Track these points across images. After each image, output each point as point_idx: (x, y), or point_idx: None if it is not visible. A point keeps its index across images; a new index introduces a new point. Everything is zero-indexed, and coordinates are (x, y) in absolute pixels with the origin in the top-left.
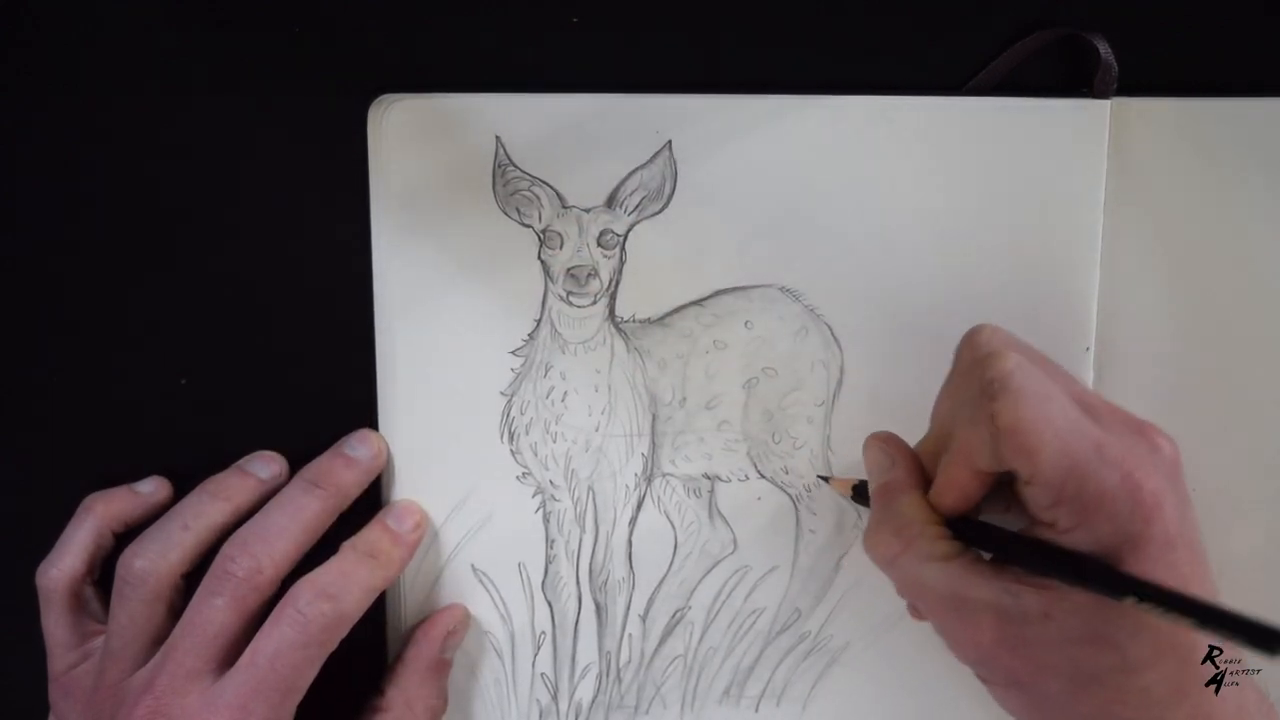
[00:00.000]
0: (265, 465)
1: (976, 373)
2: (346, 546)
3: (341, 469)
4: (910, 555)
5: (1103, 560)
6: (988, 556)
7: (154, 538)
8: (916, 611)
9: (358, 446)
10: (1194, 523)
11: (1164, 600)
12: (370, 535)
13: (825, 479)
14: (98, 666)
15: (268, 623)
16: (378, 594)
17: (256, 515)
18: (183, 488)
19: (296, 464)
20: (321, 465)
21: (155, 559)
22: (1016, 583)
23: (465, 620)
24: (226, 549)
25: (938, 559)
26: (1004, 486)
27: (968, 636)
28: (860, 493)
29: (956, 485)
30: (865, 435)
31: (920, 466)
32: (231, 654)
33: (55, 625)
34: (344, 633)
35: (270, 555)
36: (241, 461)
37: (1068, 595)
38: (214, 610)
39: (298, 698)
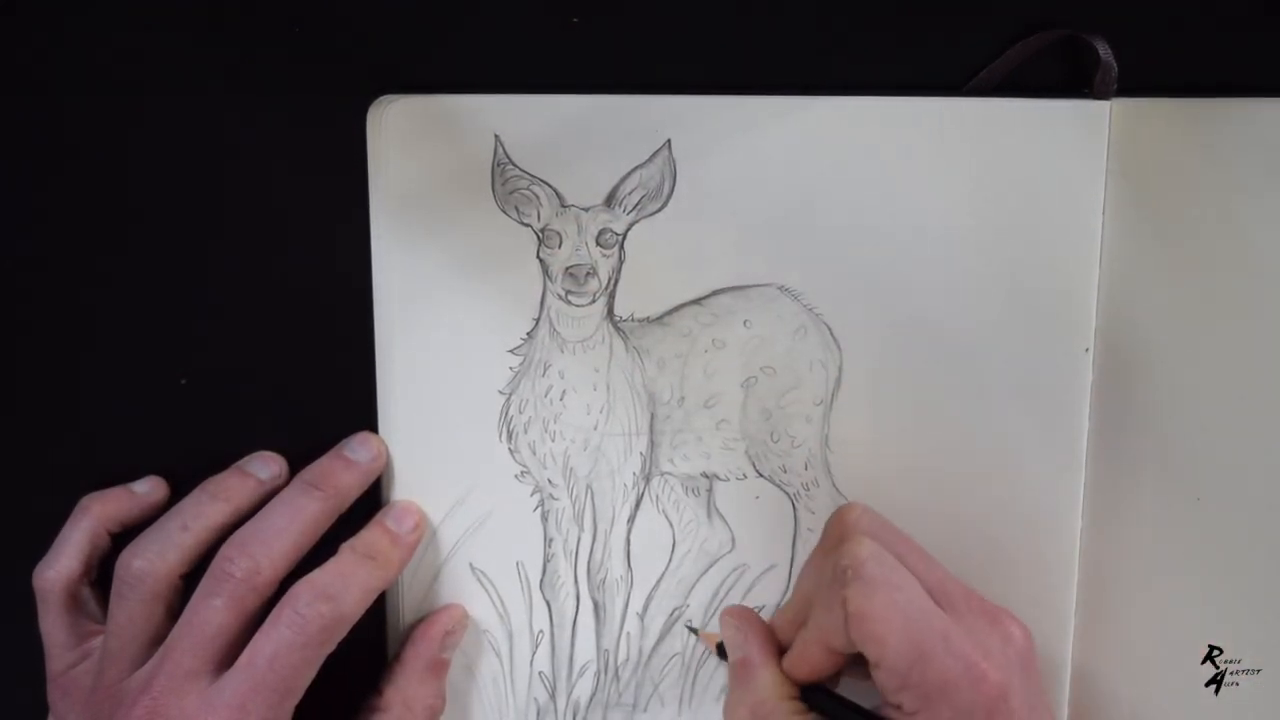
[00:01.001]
0: (265, 466)
1: (834, 555)
2: (345, 547)
3: (341, 471)
4: None
5: None
6: None
7: (153, 538)
8: None
9: (358, 449)
10: (1045, 710)
11: None
12: (369, 536)
13: (694, 631)
14: (96, 667)
15: (266, 623)
16: (376, 595)
17: (256, 516)
18: (182, 488)
19: (296, 463)
20: (321, 467)
21: (154, 559)
22: None
23: (463, 620)
24: (225, 550)
25: None
26: (861, 669)
27: None
28: (723, 651)
29: (810, 660)
30: (864, 435)
31: (773, 639)
32: (230, 654)
33: (53, 626)
34: (342, 634)
35: (269, 556)
36: (241, 462)
37: None
38: (212, 611)
39: (296, 699)
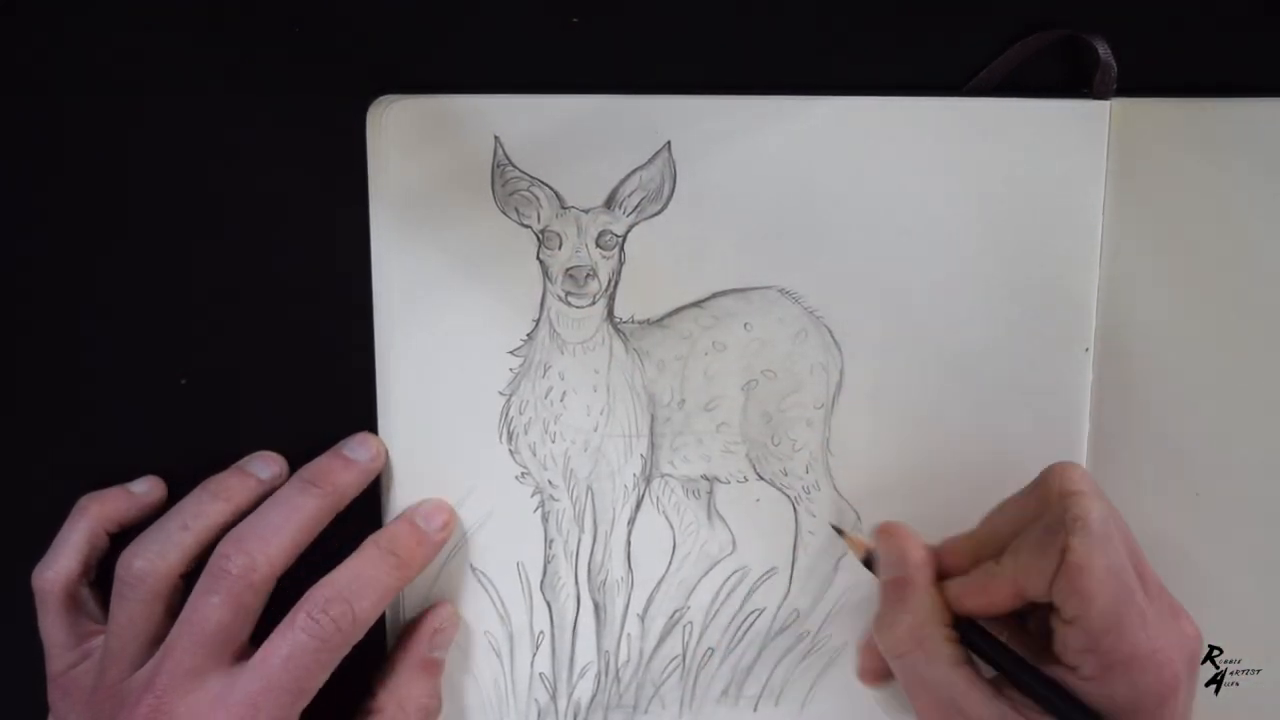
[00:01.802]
0: (265, 465)
1: (1060, 504)
2: (369, 541)
3: (340, 470)
4: (919, 654)
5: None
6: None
7: (153, 538)
8: (869, 675)
9: (357, 448)
10: (1191, 714)
11: None
12: (394, 531)
13: (840, 531)
14: (97, 666)
15: (283, 624)
16: (395, 594)
17: (253, 514)
18: (182, 488)
19: (296, 463)
20: (320, 465)
21: (154, 559)
22: (1014, 710)
23: (453, 618)
24: (222, 547)
25: (945, 663)
26: (1013, 618)
27: None
28: (870, 562)
29: (989, 595)
30: (865, 438)
31: (933, 562)
32: (230, 651)
33: (52, 626)
34: (359, 636)
35: (265, 553)
36: (242, 462)
37: None
38: (210, 608)
39: (307, 699)
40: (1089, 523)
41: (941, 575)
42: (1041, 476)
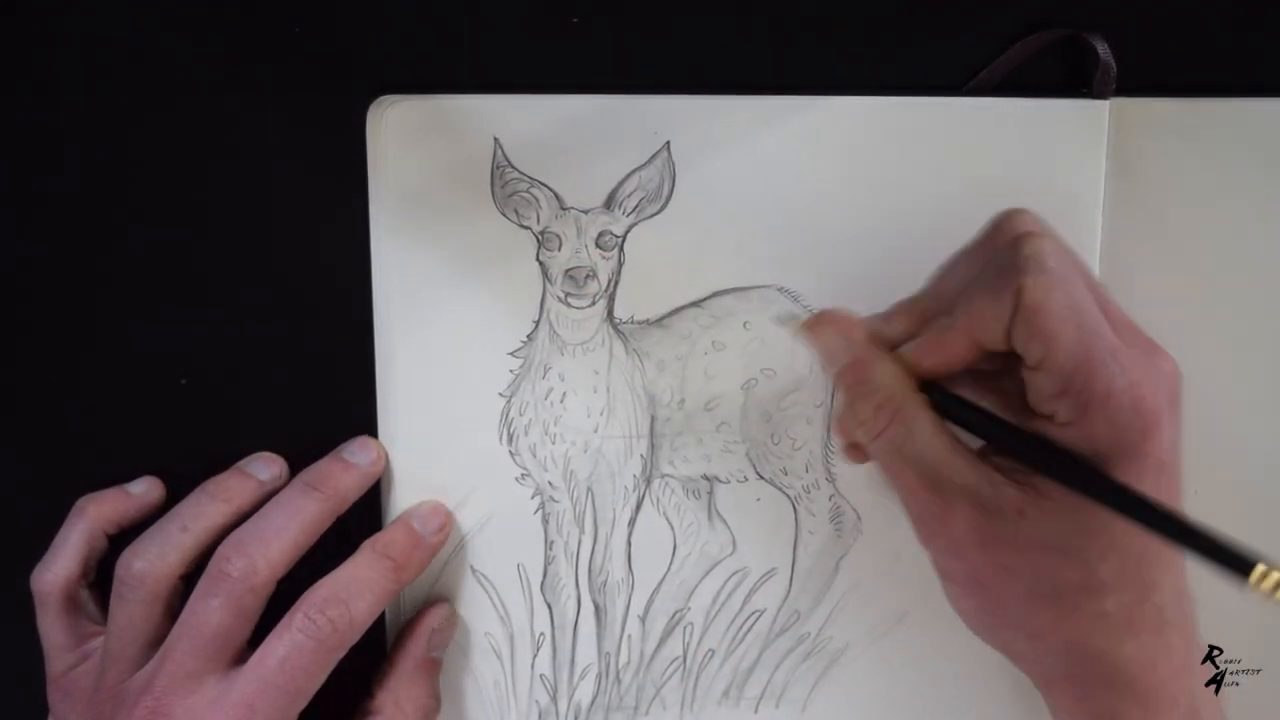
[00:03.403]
0: (265, 467)
1: (1010, 247)
2: (366, 545)
3: (340, 473)
4: (896, 428)
5: (1095, 462)
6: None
7: (153, 539)
8: (854, 452)
9: (357, 452)
10: (1181, 452)
11: (1146, 513)
12: (390, 534)
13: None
14: (98, 668)
15: (279, 626)
16: (392, 597)
17: (254, 516)
18: (182, 488)
19: (296, 463)
20: (320, 469)
21: (154, 560)
22: (999, 473)
23: (451, 618)
24: (222, 550)
25: (923, 433)
26: (988, 383)
27: (940, 523)
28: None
29: (946, 350)
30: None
31: (878, 333)
32: (229, 654)
33: (51, 628)
34: (355, 638)
35: (265, 556)
36: (241, 463)
37: (1048, 496)
38: (210, 611)
39: (304, 701)
40: (1043, 260)
41: (893, 345)
42: (990, 224)
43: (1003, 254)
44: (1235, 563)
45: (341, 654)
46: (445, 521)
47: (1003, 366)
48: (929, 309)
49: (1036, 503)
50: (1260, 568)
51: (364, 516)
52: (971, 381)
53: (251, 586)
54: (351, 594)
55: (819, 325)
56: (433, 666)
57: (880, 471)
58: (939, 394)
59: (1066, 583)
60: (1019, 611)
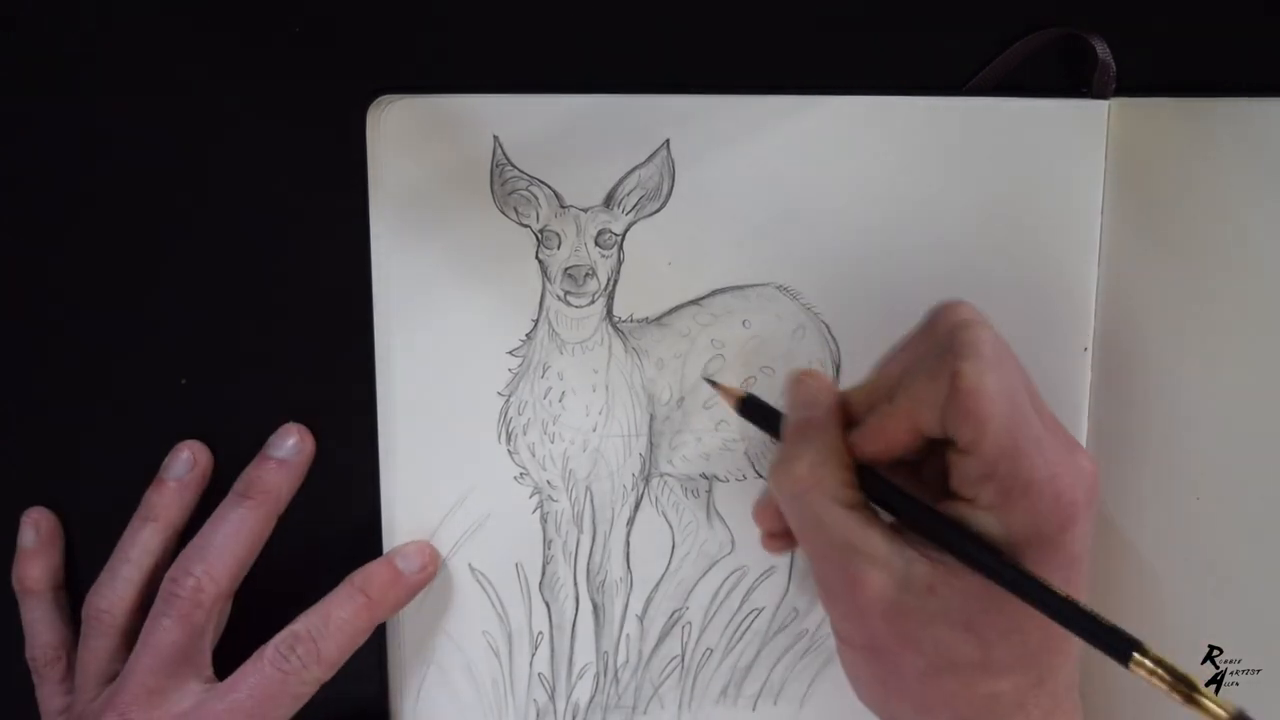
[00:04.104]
0: (179, 464)
1: (950, 335)
2: (346, 580)
3: (270, 474)
4: (817, 492)
5: (1008, 549)
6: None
7: (107, 578)
8: (769, 541)
9: (280, 445)
10: (1089, 548)
11: (1048, 599)
12: (371, 571)
13: (713, 383)
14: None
15: (255, 654)
16: (366, 635)
17: (197, 535)
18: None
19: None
20: (250, 475)
21: (110, 598)
22: (912, 548)
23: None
24: (171, 572)
25: (843, 503)
26: (908, 466)
27: (846, 589)
28: (749, 410)
29: (886, 436)
30: None
31: (843, 410)
32: (188, 668)
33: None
34: (326, 676)
35: (209, 574)
36: (161, 469)
37: (958, 576)
38: (164, 631)
39: None
40: (980, 347)
41: (849, 421)
42: (928, 314)
43: (941, 340)
44: (1120, 648)
45: (313, 689)
46: (429, 560)
47: (927, 455)
48: (875, 396)
49: (947, 580)
50: (1135, 656)
51: (363, 515)
52: (893, 463)
53: (200, 603)
54: (323, 634)
55: (800, 376)
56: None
57: (795, 531)
58: (867, 474)
59: (965, 659)
60: (914, 684)
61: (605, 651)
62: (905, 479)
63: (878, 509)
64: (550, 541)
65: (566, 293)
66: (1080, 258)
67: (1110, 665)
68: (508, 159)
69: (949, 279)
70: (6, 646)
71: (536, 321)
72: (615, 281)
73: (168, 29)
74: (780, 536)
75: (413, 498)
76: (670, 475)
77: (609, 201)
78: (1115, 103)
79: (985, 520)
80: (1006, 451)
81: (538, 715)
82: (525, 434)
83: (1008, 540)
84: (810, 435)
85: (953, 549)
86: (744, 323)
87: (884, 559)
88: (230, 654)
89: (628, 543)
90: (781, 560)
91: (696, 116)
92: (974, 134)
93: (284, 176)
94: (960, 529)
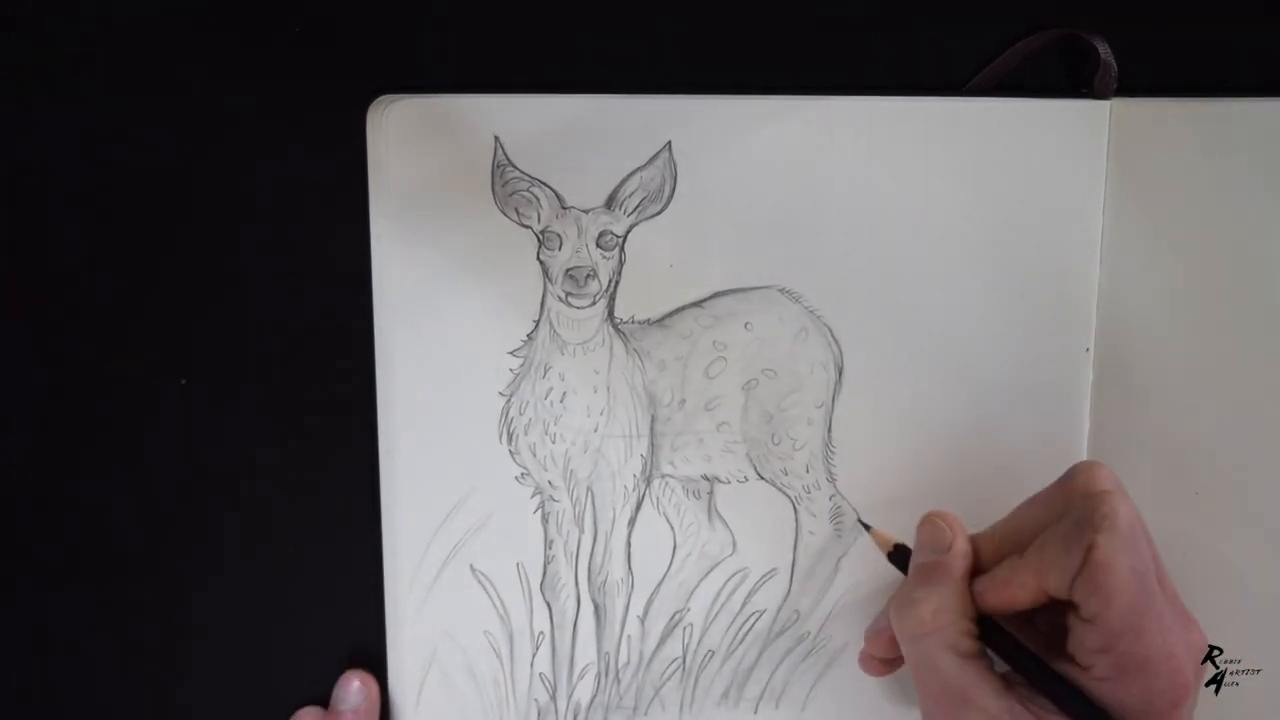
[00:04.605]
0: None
1: (1087, 502)
2: None
3: None
4: (937, 638)
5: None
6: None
7: None
8: (872, 664)
9: (345, 698)
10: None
11: None
12: None
13: (867, 527)
14: None
15: None
16: None
17: None
18: (182, 488)
19: (295, 463)
20: None
21: None
22: (1021, 705)
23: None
24: None
25: (961, 651)
26: (1024, 613)
27: None
28: (899, 556)
29: (1011, 590)
30: (866, 437)
31: (973, 556)
32: None
33: None
34: None
35: None
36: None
37: None
38: None
39: None
40: (1116, 521)
41: (975, 567)
42: (1068, 474)
43: (1079, 508)
44: None
45: None
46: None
47: (1044, 607)
48: (1003, 547)
49: None
50: None
51: (363, 513)
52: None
53: None
54: None
55: (931, 519)
56: None
57: (910, 667)
58: (988, 624)
59: None
60: None
61: (606, 652)
62: (1019, 624)
63: (991, 653)
64: (551, 542)
65: (568, 294)
66: (1081, 258)
67: None
68: (509, 159)
69: (950, 280)
70: (6, 647)
71: (538, 322)
72: (617, 283)
73: (168, 29)
74: (885, 663)
75: (413, 498)
76: (672, 476)
77: (610, 203)
78: (1116, 103)
79: (1099, 689)
80: (1130, 628)
81: (539, 715)
82: (526, 434)
83: (1120, 712)
84: (936, 580)
85: (1064, 709)
86: (746, 325)
87: (994, 714)
88: (231, 654)
89: (629, 543)
90: (783, 562)
91: (697, 117)
92: (975, 134)
93: (284, 176)
94: (1078, 694)
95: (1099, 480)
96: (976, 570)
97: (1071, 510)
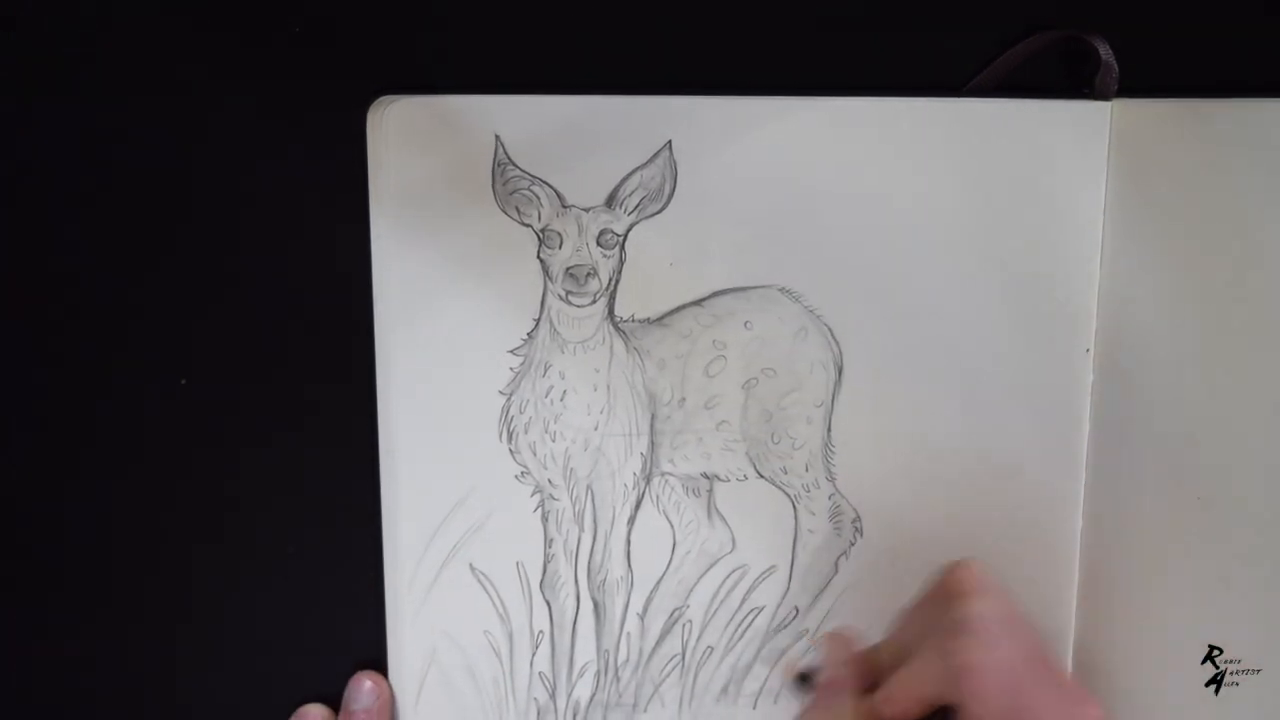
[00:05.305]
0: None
1: (950, 605)
2: None
3: None
4: None
5: None
6: None
7: None
8: None
9: (357, 699)
10: None
11: None
12: None
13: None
14: None
15: None
16: None
17: None
18: (182, 487)
19: (293, 463)
20: None
21: None
22: None
23: None
24: None
25: None
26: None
27: None
28: (801, 681)
29: (900, 703)
30: (865, 436)
31: (867, 670)
32: None
33: None
34: None
35: None
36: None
37: None
38: None
39: None
40: (971, 624)
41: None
42: (938, 578)
43: (945, 614)
44: None
45: None
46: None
47: (944, 710)
48: (895, 658)
49: None
50: None
51: (363, 512)
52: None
53: None
54: None
55: (828, 636)
56: None
57: None
58: None
59: None
60: None
61: (606, 650)
62: None
63: None
64: (551, 540)
65: (568, 292)
66: (1082, 259)
67: (1110, 663)
68: (509, 159)
69: (950, 280)
70: (6, 647)
71: (538, 321)
72: (617, 281)
73: (168, 29)
74: None
75: (413, 497)
76: (671, 474)
77: (611, 202)
78: (1117, 103)
79: None
80: None
81: (538, 714)
82: (526, 433)
83: None
84: (830, 697)
85: None
86: (746, 324)
87: None
88: (231, 654)
89: (629, 541)
90: (782, 559)
91: (698, 117)
92: (976, 135)
93: (284, 176)
94: None
95: (959, 583)
96: (877, 681)
97: (940, 617)
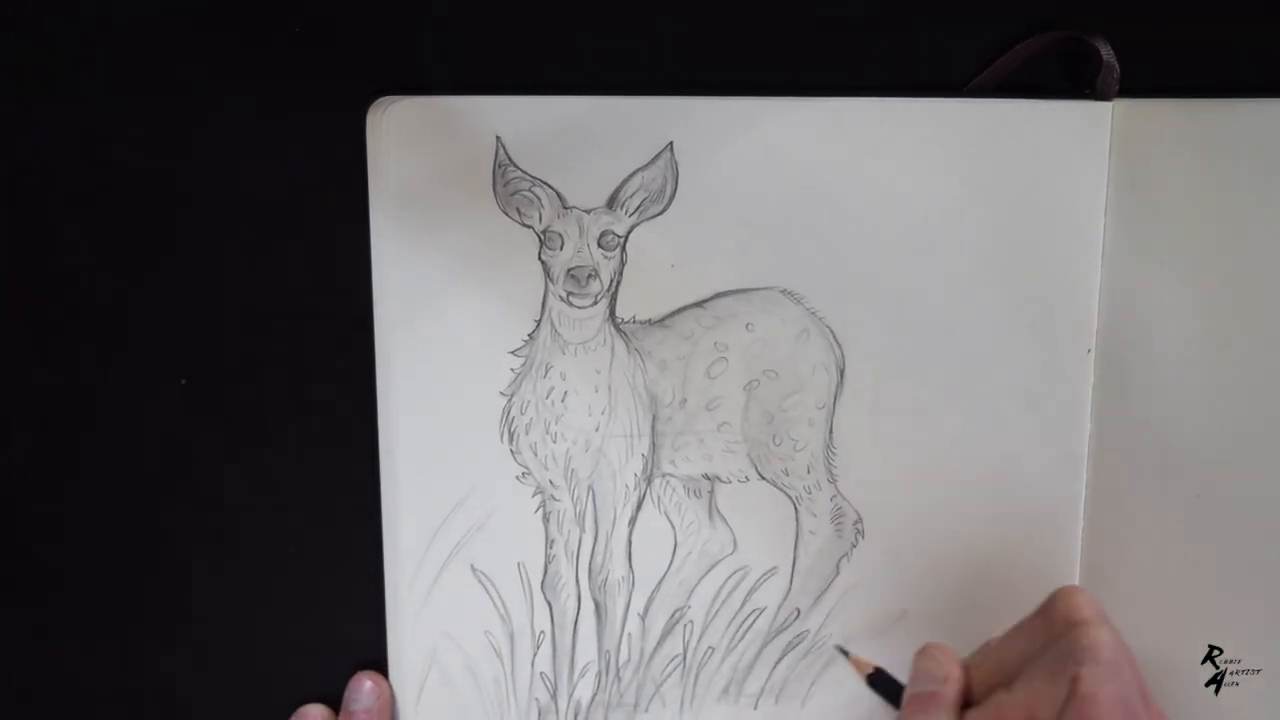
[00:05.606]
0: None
1: (1069, 633)
2: None
3: None
4: None
5: None
6: None
7: None
8: None
9: (357, 699)
10: None
11: None
12: None
13: (844, 653)
14: None
15: None
16: None
17: None
18: (182, 487)
19: (291, 462)
20: None
21: None
22: None
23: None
24: None
25: None
26: None
27: None
28: (878, 682)
29: None
30: (867, 438)
31: (966, 689)
32: None
33: None
34: None
35: None
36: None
37: None
38: None
39: None
40: (1099, 652)
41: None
42: (1049, 601)
43: (1062, 638)
44: None
45: None
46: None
47: None
48: (991, 678)
49: None
50: None
51: (364, 510)
52: None
53: None
54: None
55: (928, 649)
56: None
57: None
58: None
59: None
60: None
61: (607, 650)
62: None
63: None
64: (552, 541)
65: (569, 293)
66: (1083, 259)
67: None
68: (510, 159)
69: (951, 281)
70: (6, 647)
71: (539, 322)
72: (618, 283)
73: (168, 29)
74: None
75: (413, 498)
76: (673, 475)
77: (612, 203)
78: (1118, 104)
79: None
80: None
81: (539, 714)
82: (527, 433)
83: None
84: (931, 711)
85: None
86: (747, 326)
87: None
88: (231, 654)
89: (630, 542)
90: (784, 560)
91: (699, 117)
92: (977, 135)
93: (284, 176)
94: None
95: (1080, 609)
96: (967, 701)
97: (1055, 640)
